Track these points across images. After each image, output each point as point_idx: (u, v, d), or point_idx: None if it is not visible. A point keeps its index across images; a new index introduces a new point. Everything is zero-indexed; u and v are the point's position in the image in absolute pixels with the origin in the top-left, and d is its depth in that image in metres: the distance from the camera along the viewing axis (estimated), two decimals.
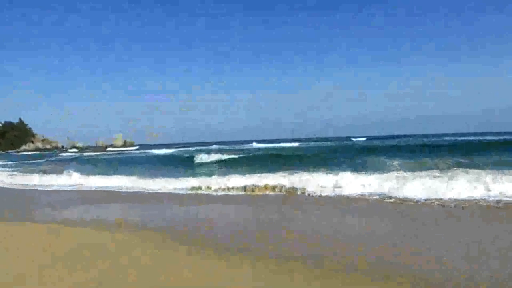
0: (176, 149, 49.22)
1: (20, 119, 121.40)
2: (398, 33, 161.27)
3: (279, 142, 63.36)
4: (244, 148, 48.02)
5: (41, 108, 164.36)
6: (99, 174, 18.09)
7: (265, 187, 12.01)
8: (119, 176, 16.42)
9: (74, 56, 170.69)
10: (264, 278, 4.45)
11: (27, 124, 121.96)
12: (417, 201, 9.07)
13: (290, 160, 21.71)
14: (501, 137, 36.60)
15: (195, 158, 25.06)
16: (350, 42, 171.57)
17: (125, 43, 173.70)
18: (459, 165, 13.93)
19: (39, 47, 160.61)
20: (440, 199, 8.99)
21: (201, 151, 33.24)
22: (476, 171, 10.51)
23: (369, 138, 78.28)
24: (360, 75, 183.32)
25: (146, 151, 53.84)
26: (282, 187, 11.82)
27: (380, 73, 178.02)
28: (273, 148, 43.78)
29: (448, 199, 8.93)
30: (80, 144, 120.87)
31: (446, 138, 52.45)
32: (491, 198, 8.64)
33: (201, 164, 23.43)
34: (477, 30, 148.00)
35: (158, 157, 35.51)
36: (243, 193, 11.97)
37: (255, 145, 59.65)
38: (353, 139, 73.57)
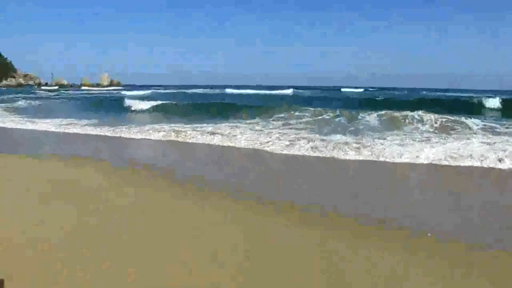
0: (154, 91, 51.13)
1: None
2: None
3: (275, 89, 63.84)
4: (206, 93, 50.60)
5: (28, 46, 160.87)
6: None
7: None
8: None
9: None
10: None
11: (6, 58, 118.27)
12: None
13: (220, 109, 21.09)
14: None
15: (125, 105, 24.92)
16: None
17: None
18: None
19: None
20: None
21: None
22: None
23: (367, 90, 76.78)
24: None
25: (121, 91, 54.83)
26: None
27: None
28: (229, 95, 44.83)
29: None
30: (65, 82, 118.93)
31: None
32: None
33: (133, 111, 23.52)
34: None
35: (111, 99, 34.19)
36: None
37: (227, 91, 59.56)
38: (344, 90, 72.83)
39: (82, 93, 53.39)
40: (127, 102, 25.21)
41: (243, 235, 3.96)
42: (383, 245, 3.75)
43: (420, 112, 14.36)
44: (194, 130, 12.23)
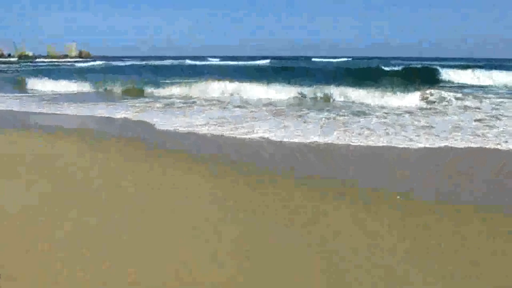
0: (107, 63, 55.32)
1: None
2: None
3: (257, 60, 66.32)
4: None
5: None
6: None
7: None
8: None
9: None
10: None
11: None
12: None
13: None
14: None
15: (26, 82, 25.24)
16: None
17: None
18: None
19: None
20: None
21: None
22: None
23: (354, 59, 78.93)
24: None
25: (75, 64, 55.79)
26: None
27: None
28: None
29: None
30: (30, 53, 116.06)
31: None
32: None
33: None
34: None
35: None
36: None
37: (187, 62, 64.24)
38: (314, 60, 76.09)
39: (32, 66, 54.69)
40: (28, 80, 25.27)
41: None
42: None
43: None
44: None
